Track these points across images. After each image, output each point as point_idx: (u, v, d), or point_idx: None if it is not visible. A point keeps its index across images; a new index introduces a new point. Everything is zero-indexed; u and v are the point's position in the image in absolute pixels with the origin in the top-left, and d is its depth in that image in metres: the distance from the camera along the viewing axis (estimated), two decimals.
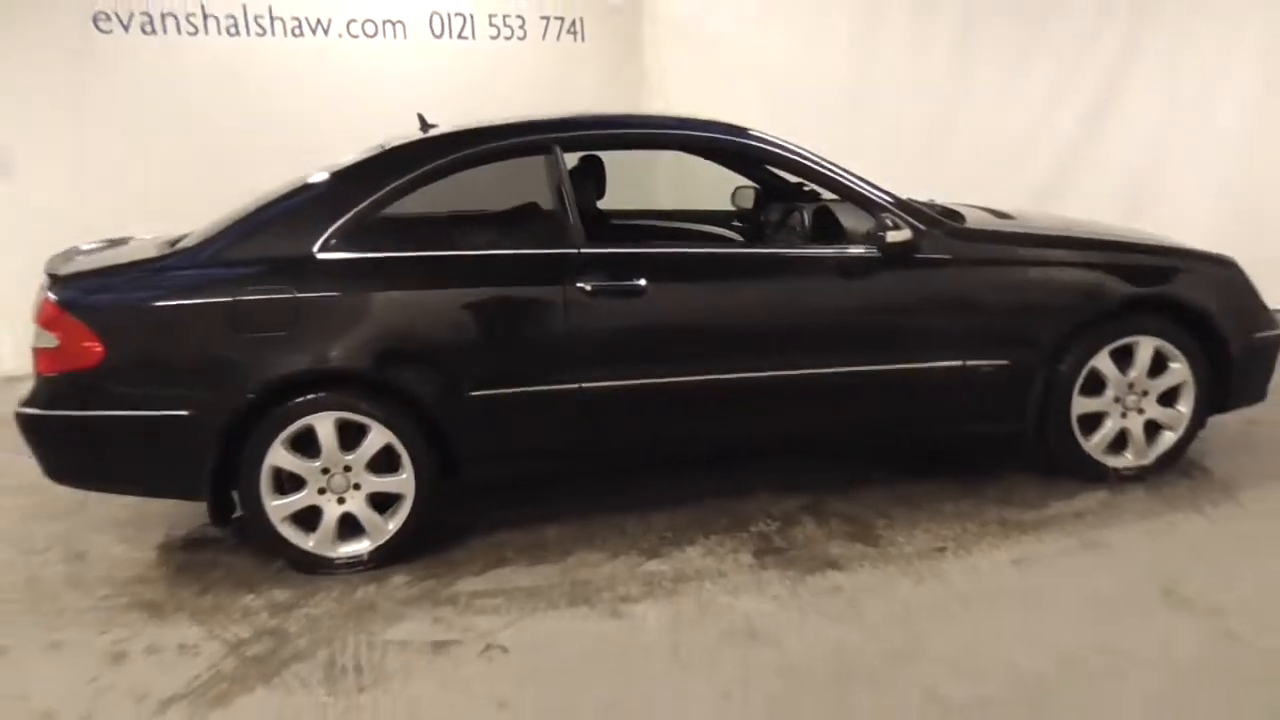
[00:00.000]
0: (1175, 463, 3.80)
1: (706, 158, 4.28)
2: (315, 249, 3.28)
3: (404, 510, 3.36)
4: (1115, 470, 3.73)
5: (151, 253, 3.45)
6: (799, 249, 3.63)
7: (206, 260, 3.30)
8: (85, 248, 3.74)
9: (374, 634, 2.97)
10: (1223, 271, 3.76)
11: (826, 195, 3.78)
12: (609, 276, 3.34)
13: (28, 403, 3.28)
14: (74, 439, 3.29)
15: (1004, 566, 3.20)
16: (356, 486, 3.32)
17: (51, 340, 3.20)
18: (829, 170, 3.57)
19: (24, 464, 4.51)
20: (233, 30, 7.31)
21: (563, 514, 3.74)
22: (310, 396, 3.25)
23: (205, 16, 7.17)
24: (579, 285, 3.32)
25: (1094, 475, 3.73)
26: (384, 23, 8.02)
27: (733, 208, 4.71)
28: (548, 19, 8.88)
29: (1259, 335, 3.77)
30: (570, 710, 2.56)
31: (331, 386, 3.27)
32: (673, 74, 9.44)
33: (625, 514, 3.73)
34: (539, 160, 3.48)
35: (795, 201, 4.28)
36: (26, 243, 6.30)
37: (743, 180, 4.63)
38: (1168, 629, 2.78)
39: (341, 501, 3.33)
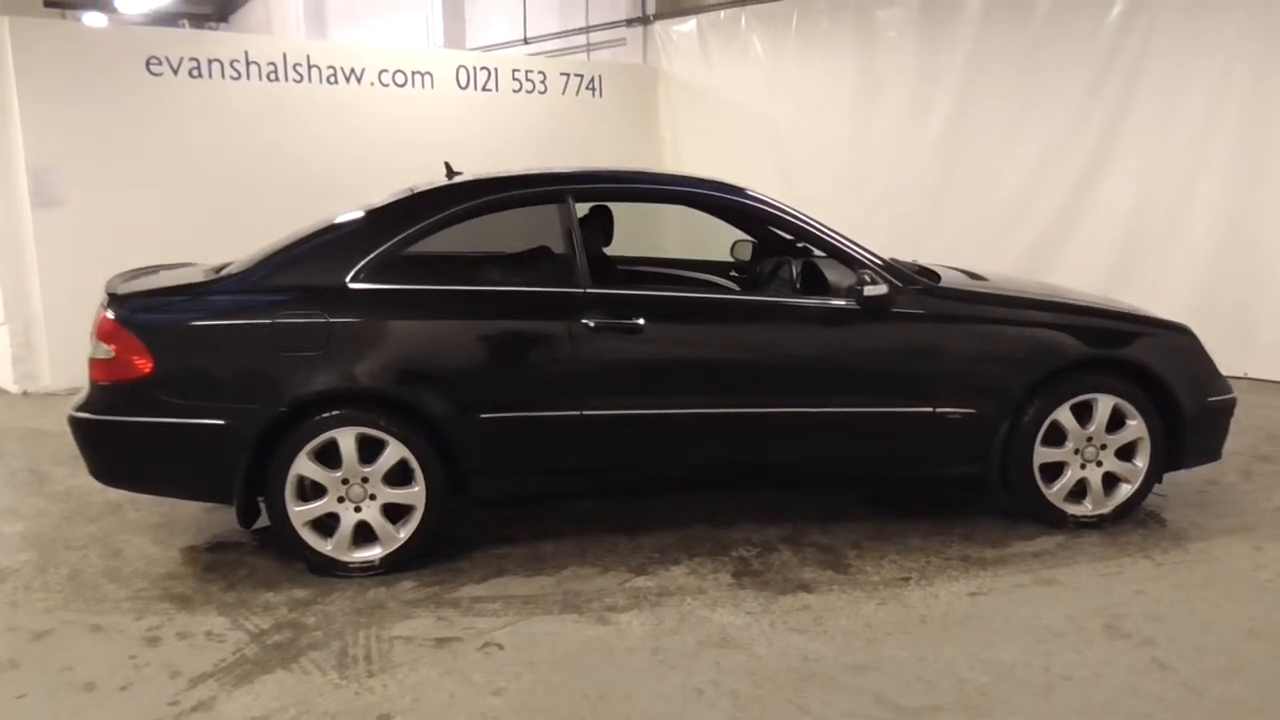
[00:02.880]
0: (1131, 513, 4.09)
1: (709, 213, 4.63)
2: (348, 279, 3.64)
3: (415, 521, 3.67)
4: (1074, 517, 4.02)
5: (200, 278, 3.81)
6: (784, 298, 3.97)
7: (249, 286, 3.67)
8: (141, 270, 4.11)
9: (383, 629, 3.27)
10: (1179, 339, 4.08)
11: (818, 251, 4.13)
12: (611, 315, 3.68)
13: (82, 408, 3.62)
14: (122, 442, 3.63)
15: (961, 596, 3.48)
16: (372, 497, 3.64)
17: (108, 352, 3.56)
18: (816, 228, 3.92)
19: (60, 473, 4.90)
20: (273, 76, 7.78)
21: (560, 533, 4.05)
22: (336, 412, 3.58)
23: (248, 63, 7.63)
24: (583, 321, 3.66)
25: (1053, 520, 4.02)
26: (413, 73, 8.50)
27: (731, 259, 5.06)
28: (568, 75, 9.38)
29: (1212, 399, 4.07)
30: (558, 699, 2.85)
31: (355, 404, 3.61)
32: (685, 132, 9.93)
33: (617, 535, 4.03)
34: (552, 207, 3.85)
35: (787, 255, 4.64)
36: (76, 268, 6.79)
37: (742, 234, 5.00)
38: (1103, 656, 3.05)
39: (358, 510, 3.64)
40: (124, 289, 3.72)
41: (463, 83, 8.73)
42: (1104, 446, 4.00)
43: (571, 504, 4.36)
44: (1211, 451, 4.17)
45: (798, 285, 4.10)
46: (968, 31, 7.71)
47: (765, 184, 8.04)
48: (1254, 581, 3.60)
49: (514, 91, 9.03)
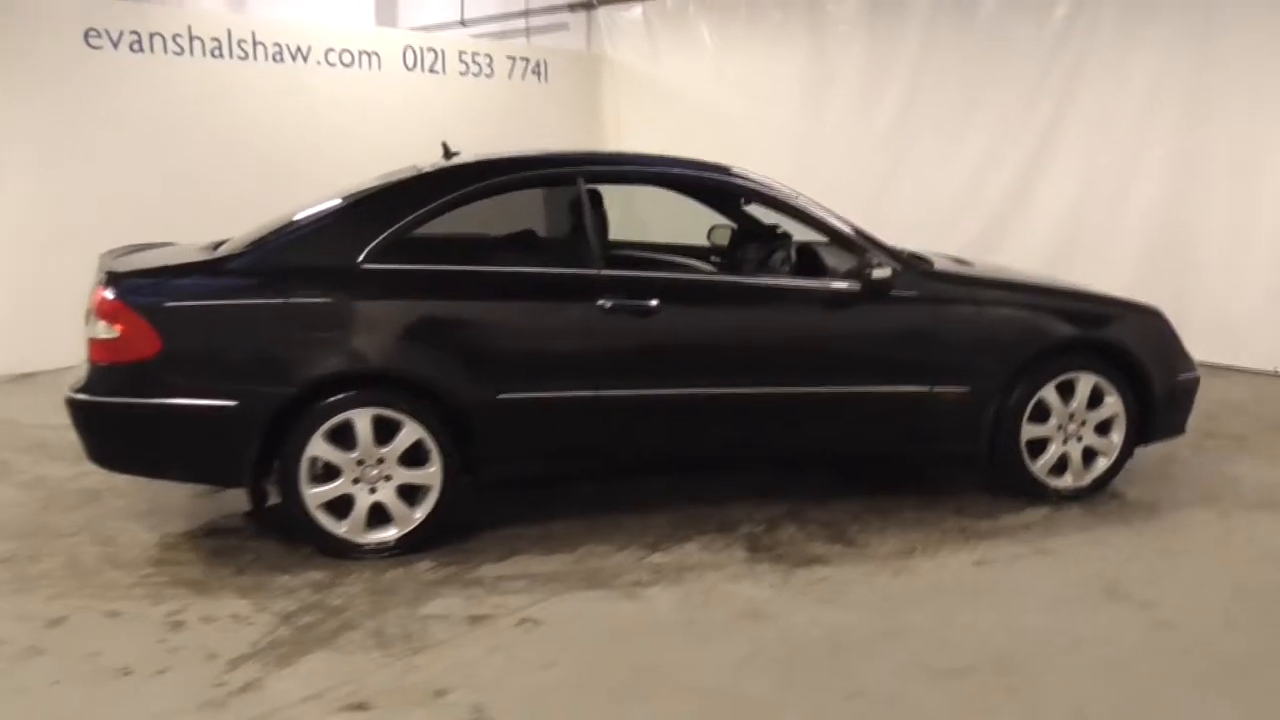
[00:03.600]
0: (1106, 486, 4.31)
1: (709, 199, 4.70)
2: (360, 259, 3.60)
3: (430, 501, 3.66)
4: (1056, 490, 4.22)
5: (199, 256, 3.72)
6: (791, 281, 4.06)
7: (258, 265, 3.60)
8: (132, 248, 4.00)
9: (413, 608, 3.27)
10: (1151, 320, 4.31)
11: (801, 236, 4.24)
12: (625, 296, 3.73)
13: (82, 389, 3.51)
14: (125, 424, 3.53)
15: (967, 566, 3.64)
16: (387, 478, 3.62)
17: (111, 332, 3.45)
18: (824, 214, 4.03)
19: (23, 461, 4.72)
20: (216, 52, 7.55)
21: (565, 513, 4.08)
22: (352, 393, 3.54)
23: (191, 38, 7.40)
24: (599, 303, 3.70)
25: (1037, 493, 4.22)
26: (360, 53, 8.35)
27: (708, 243, 5.14)
28: (514, 59, 9.34)
29: (1180, 377, 4.32)
30: (607, 671, 2.90)
31: (371, 385, 3.58)
32: (630, 121, 9.97)
33: (623, 514, 4.08)
34: (562, 189, 3.87)
35: (768, 241, 4.75)
36: (10, 253, 6.50)
37: (719, 219, 5.09)
38: (1112, 618, 3.24)
39: (373, 491, 3.62)
40: (123, 267, 3.61)
41: (410, 64, 8.61)
42: (1084, 423, 4.21)
43: (572, 485, 4.39)
44: (1178, 427, 4.42)
45: (793, 268, 4.20)
46: (916, 25, 7.94)
47: None
48: (1230, 545, 3.86)
49: (460, 74, 8.95)
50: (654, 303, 3.74)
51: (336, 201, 3.81)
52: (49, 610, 3.26)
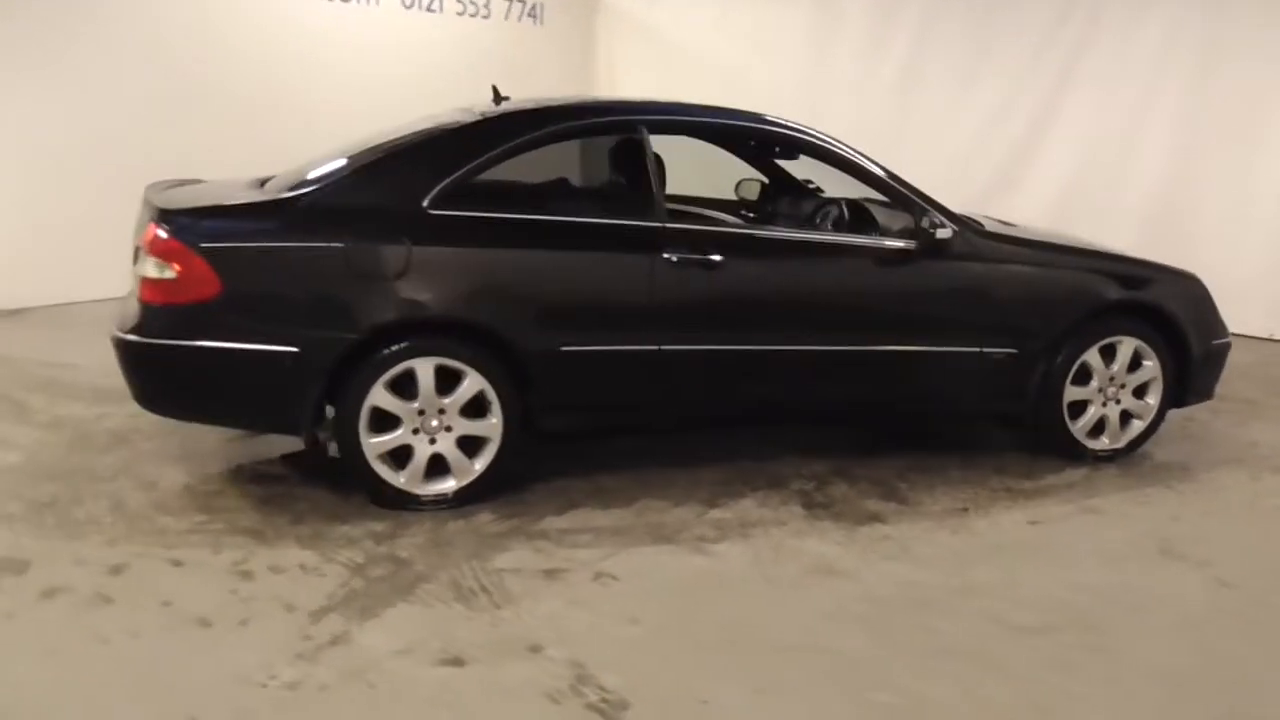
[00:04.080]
0: (1140, 448, 4.39)
1: (756, 153, 4.63)
2: (426, 203, 3.50)
3: (489, 453, 3.61)
4: (1094, 451, 4.29)
5: (254, 194, 3.60)
6: (854, 238, 4.03)
7: (320, 206, 3.48)
8: (175, 183, 3.87)
9: (484, 561, 3.23)
10: (1190, 284, 4.37)
11: (837, 192, 4.20)
12: (690, 250, 3.68)
13: (134, 330, 3.38)
14: (179, 368, 3.42)
15: (1021, 525, 3.69)
16: (448, 429, 3.56)
17: (167, 272, 3.32)
18: (886, 175, 4.00)
19: (38, 401, 4.58)
20: None
21: (612, 467, 4.04)
22: (416, 341, 3.46)
23: None
24: (665, 256, 3.65)
25: (1075, 454, 4.28)
26: None
27: (736, 197, 5.09)
28: (510, 1, 9.08)
29: (1214, 342, 4.40)
30: (695, 626, 2.90)
31: (435, 333, 3.50)
32: (625, 69, 9.81)
33: (669, 469, 4.06)
34: (625, 138, 3.80)
35: (810, 196, 4.72)
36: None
37: (748, 172, 5.04)
38: (1173, 576, 3.32)
39: (433, 442, 3.55)
40: (177, 205, 3.47)
41: (407, 2, 8.36)
42: (1123, 386, 4.28)
43: (614, 439, 4.36)
44: (1208, 391, 4.51)
45: (846, 225, 4.18)
46: None
47: None
48: (1267, 508, 3.96)
49: (458, 14, 8.72)
50: (718, 257, 3.70)
51: (396, 142, 3.69)
52: (107, 556, 3.17)
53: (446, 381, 3.52)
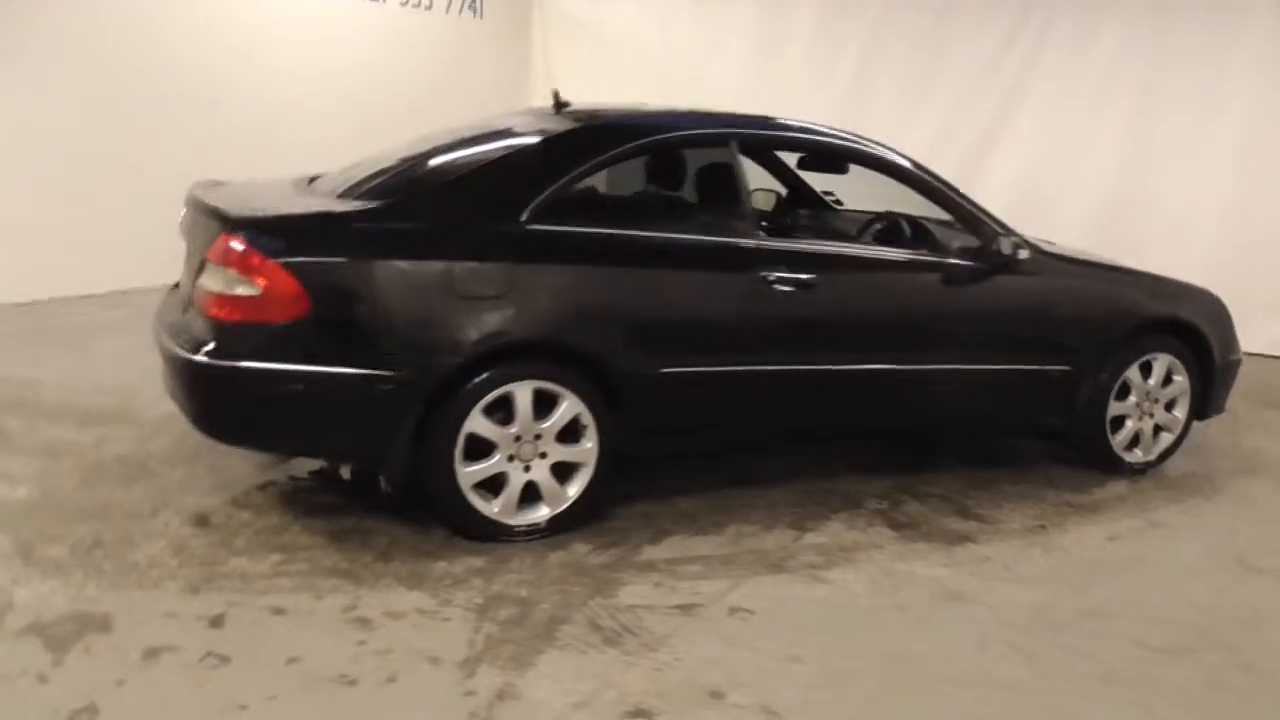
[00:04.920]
0: (1167, 460, 4.55)
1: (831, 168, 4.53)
2: (524, 218, 3.29)
3: (583, 479, 3.43)
4: (1130, 465, 4.42)
5: (337, 203, 3.33)
6: (939, 256, 4.00)
7: (412, 219, 3.23)
8: (214, 184, 3.55)
9: (609, 598, 3.06)
10: (1215, 302, 4.56)
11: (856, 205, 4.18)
12: (787, 269, 3.59)
13: (208, 351, 3.05)
14: (260, 393, 3.10)
15: (1101, 541, 3.76)
16: (543, 455, 3.36)
17: (250, 288, 3.01)
18: (959, 195, 4.00)
19: (16, 424, 4.13)
20: None
21: (683, 490, 3.89)
22: (516, 364, 3.25)
23: None
24: (762, 274, 3.55)
25: (1112, 468, 4.40)
26: None
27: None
28: None
29: (1231, 358, 4.60)
30: (858, 662, 2.81)
31: (535, 355, 3.30)
32: (564, 68, 9.60)
33: (741, 491, 3.95)
34: (716, 151, 3.67)
35: (819, 208, 4.72)
36: None
37: (765, 184, 4.99)
38: (1265, 589, 3.44)
39: (527, 469, 3.35)
40: (251, 213, 3.16)
41: None
42: (1156, 400, 4.42)
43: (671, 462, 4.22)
44: (1222, 405, 4.71)
45: (907, 242, 4.17)
46: None
47: None
48: None
49: (401, 5, 8.36)
50: (813, 276, 3.62)
51: (488, 153, 3.47)
52: (196, 607, 2.85)
53: (541, 406, 3.32)
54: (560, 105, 3.96)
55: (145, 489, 3.63)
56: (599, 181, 3.61)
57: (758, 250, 3.59)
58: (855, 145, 3.96)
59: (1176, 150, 7.15)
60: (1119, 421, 4.37)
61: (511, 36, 9.49)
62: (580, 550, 3.37)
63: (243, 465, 3.86)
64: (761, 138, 3.95)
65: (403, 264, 3.14)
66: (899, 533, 3.70)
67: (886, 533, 3.69)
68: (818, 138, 3.96)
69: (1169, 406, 4.48)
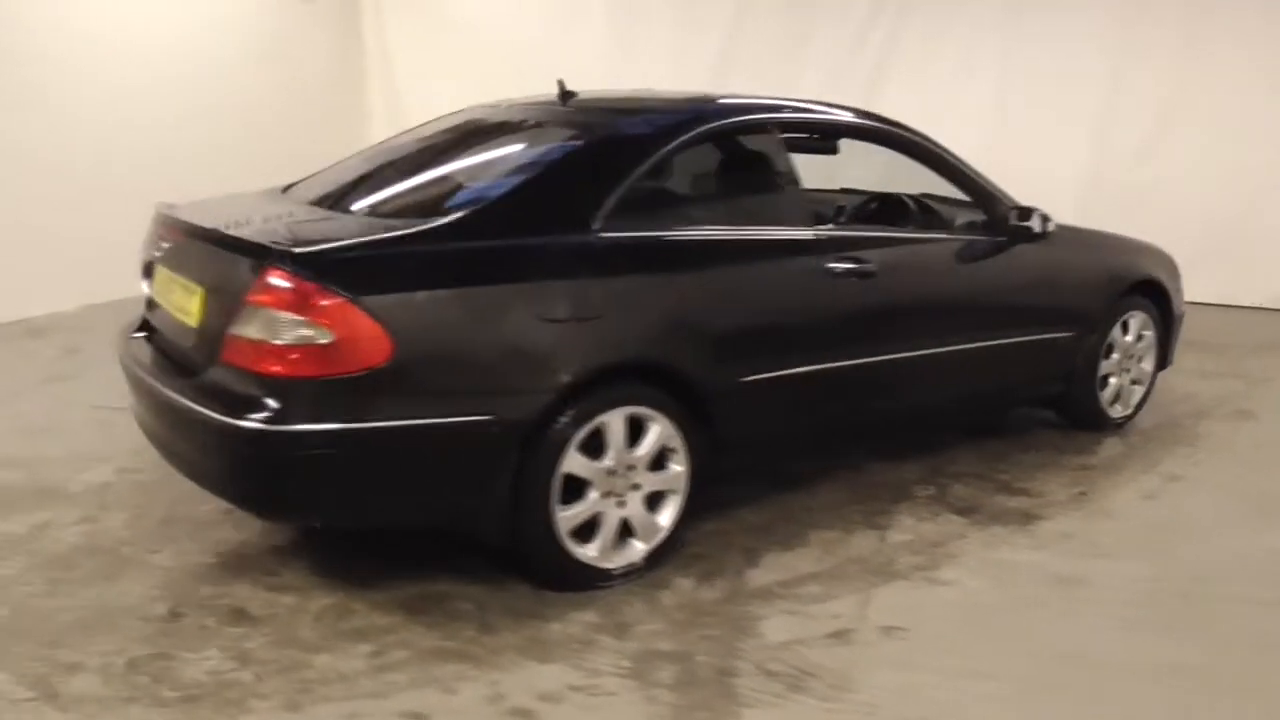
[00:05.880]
0: (1140, 411, 4.74)
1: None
2: (596, 226, 2.93)
3: (674, 507, 3.13)
4: (1114, 420, 4.58)
5: (389, 224, 2.86)
6: (971, 235, 3.92)
7: (486, 236, 2.80)
8: (186, 206, 3.03)
9: (756, 638, 2.80)
10: (1169, 258, 4.77)
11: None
12: (849, 259, 3.41)
13: (265, 415, 2.51)
14: (332, 459, 2.59)
15: (1139, 501, 3.84)
16: (635, 487, 3.03)
17: (318, 334, 2.50)
18: (969, 170, 3.94)
19: None
20: None
21: (743, 501, 3.64)
22: (610, 390, 2.90)
23: None
24: (828, 266, 3.35)
25: (1098, 425, 4.53)
26: None
27: None
28: None
29: (1180, 311, 4.84)
30: (1040, 669, 2.69)
31: (625, 379, 2.95)
32: (401, 50, 9.00)
33: (787, 494, 3.76)
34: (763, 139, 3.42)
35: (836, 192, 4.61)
36: None
37: None
38: None
39: (621, 505, 3.01)
40: (304, 242, 2.63)
41: None
42: (1132, 356, 4.59)
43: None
44: (1172, 356, 4.96)
45: (919, 221, 4.10)
46: None
47: None
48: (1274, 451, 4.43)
49: None
50: (870, 264, 3.45)
51: (517, 153, 3.10)
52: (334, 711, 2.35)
53: (630, 433, 2.99)
54: (566, 95, 3.57)
55: (139, 583, 2.99)
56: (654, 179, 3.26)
57: (817, 241, 3.38)
58: (886, 127, 3.80)
59: (1035, 119, 7.48)
60: (1104, 380, 4.49)
61: (340, 18, 8.74)
62: (685, 586, 3.07)
63: (228, 531, 3.31)
64: (803, 121, 3.69)
65: (485, 290, 2.71)
66: (968, 519, 3.62)
67: (956, 520, 3.61)
68: (865, 122, 3.77)
69: (1139, 361, 4.66)
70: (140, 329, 3.26)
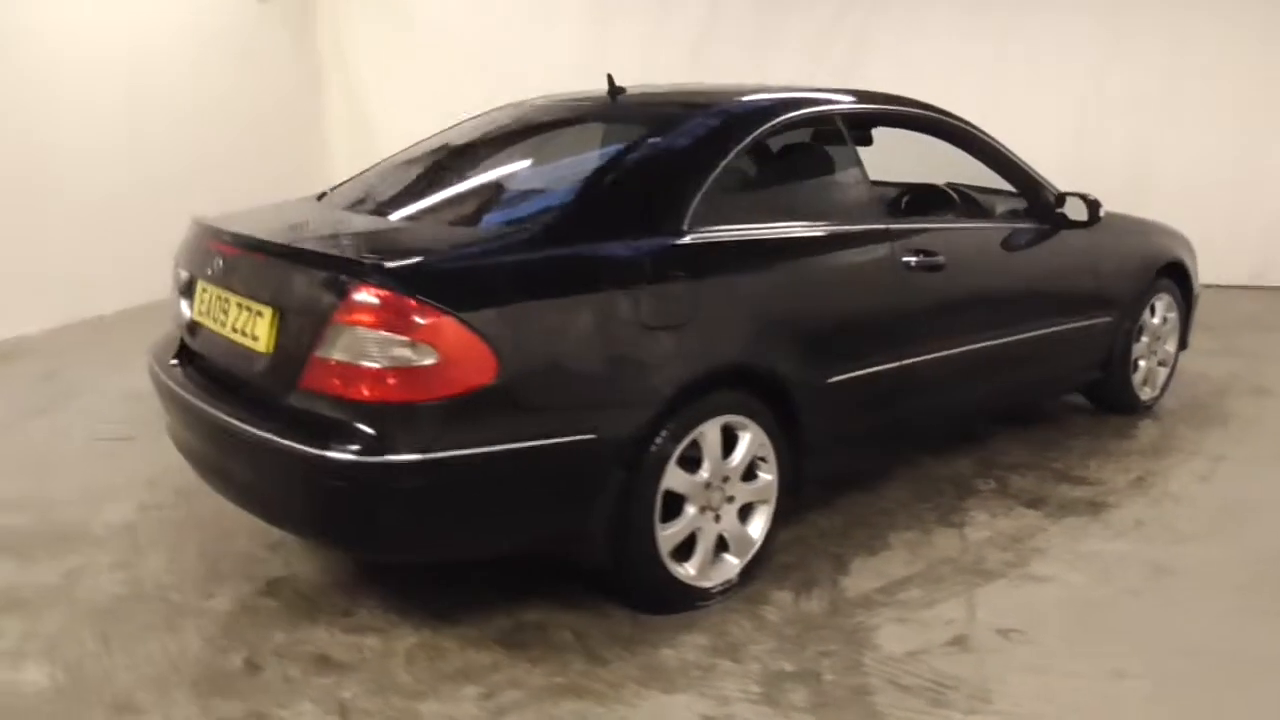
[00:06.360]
0: (1165, 393, 4.76)
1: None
2: (684, 226, 2.78)
3: (765, 517, 3.00)
4: (1144, 402, 4.58)
5: (472, 232, 2.68)
6: (1025, 224, 3.85)
7: (578, 242, 2.63)
8: (219, 220, 2.82)
9: (876, 650, 2.68)
10: (1186, 240, 4.78)
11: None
12: (920, 251, 3.31)
13: (361, 446, 2.31)
14: (438, 489, 2.40)
15: (1196, 484, 3.82)
16: (729, 499, 2.89)
17: (423, 354, 2.31)
18: (1014, 157, 3.89)
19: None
20: None
21: (802, 506, 3.49)
22: (709, 398, 2.76)
23: None
24: (904, 260, 3.25)
25: (1130, 408, 4.53)
26: None
27: None
28: None
29: (1197, 292, 4.87)
30: (1168, 664, 2.63)
31: (720, 387, 2.81)
32: (360, 50, 8.72)
33: (853, 495, 3.65)
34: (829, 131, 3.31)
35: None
36: None
37: None
38: None
39: (717, 519, 2.87)
40: (399, 255, 2.43)
41: None
42: (1158, 338, 4.60)
43: None
44: (1187, 339, 4.98)
45: (959, 210, 4.03)
46: None
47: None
48: None
49: None
50: (941, 256, 3.36)
51: (624, 155, 2.91)
52: None
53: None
54: (615, 90, 3.41)
55: (201, 633, 2.76)
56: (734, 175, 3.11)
57: (889, 232, 3.28)
58: (938, 115, 3.71)
59: (1012, 106, 7.51)
60: (1135, 363, 4.49)
61: (296, 18, 8.41)
62: (784, 600, 2.94)
63: (278, 568, 3.12)
64: (867, 111, 3.57)
65: (585, 299, 2.54)
66: (1040, 511, 3.57)
67: (1029, 513, 3.55)
68: (922, 112, 3.67)
69: (1164, 343, 4.67)
70: (178, 354, 3.00)
